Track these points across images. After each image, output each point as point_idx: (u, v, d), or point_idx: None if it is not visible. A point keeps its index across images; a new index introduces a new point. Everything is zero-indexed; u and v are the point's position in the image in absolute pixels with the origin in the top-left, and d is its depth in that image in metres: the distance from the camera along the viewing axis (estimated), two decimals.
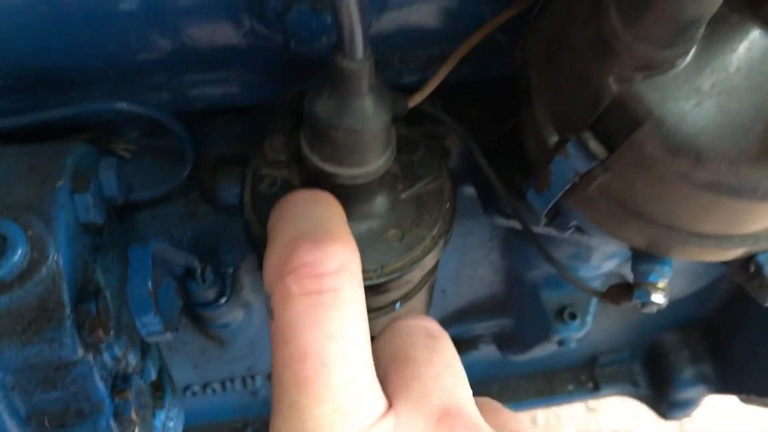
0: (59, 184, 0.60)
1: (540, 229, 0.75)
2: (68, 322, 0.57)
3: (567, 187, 0.55)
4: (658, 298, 0.60)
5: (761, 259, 0.63)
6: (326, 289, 0.42)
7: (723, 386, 1.19)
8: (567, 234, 0.73)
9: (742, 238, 0.55)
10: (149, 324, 0.55)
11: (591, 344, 1.23)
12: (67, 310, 0.56)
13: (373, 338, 0.48)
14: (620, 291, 0.64)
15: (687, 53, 0.47)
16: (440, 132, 0.77)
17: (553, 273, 0.90)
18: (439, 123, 0.75)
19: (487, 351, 1.13)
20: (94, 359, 0.61)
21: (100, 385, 0.62)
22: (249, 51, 0.67)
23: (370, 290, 0.60)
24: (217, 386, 1.10)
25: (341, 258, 0.43)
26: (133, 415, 0.64)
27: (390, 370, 0.45)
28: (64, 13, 0.59)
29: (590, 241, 0.77)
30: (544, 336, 0.94)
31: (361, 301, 0.44)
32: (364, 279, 0.59)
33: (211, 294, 0.81)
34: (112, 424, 0.64)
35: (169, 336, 0.58)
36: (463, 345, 1.10)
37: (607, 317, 1.16)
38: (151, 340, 0.57)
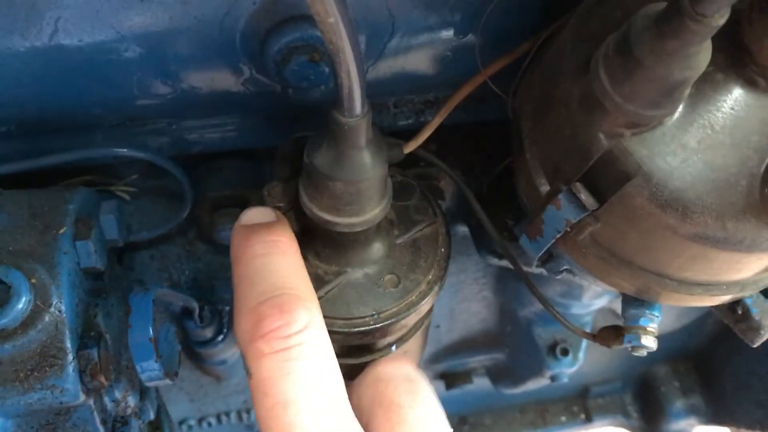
0: (62, 231, 0.61)
1: (532, 269, 0.76)
2: (70, 369, 0.57)
3: (558, 236, 0.56)
4: (648, 342, 0.62)
5: (748, 302, 0.65)
6: (294, 345, 0.47)
7: (713, 418, 1.20)
8: (559, 276, 0.74)
9: (730, 285, 0.57)
10: (150, 369, 0.56)
11: (583, 375, 1.24)
12: (70, 357, 0.57)
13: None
14: (611, 334, 0.65)
15: (674, 112, 0.49)
16: (434, 174, 0.79)
17: (546, 310, 0.92)
18: (433, 165, 0.76)
19: (481, 383, 1.14)
20: (94, 403, 0.62)
21: (101, 429, 0.63)
22: (248, 98, 0.69)
23: (367, 335, 0.61)
24: (213, 420, 1.10)
25: (304, 317, 0.48)
26: None
27: (375, 415, 0.50)
28: (67, 61, 0.61)
29: (582, 281, 0.78)
30: (536, 371, 0.95)
31: (328, 348, 0.49)
32: (362, 325, 0.61)
33: (208, 332, 0.82)
34: None
35: (168, 381, 0.58)
36: (457, 378, 1.11)
37: (599, 349, 1.17)
38: (151, 385, 0.58)
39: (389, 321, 0.60)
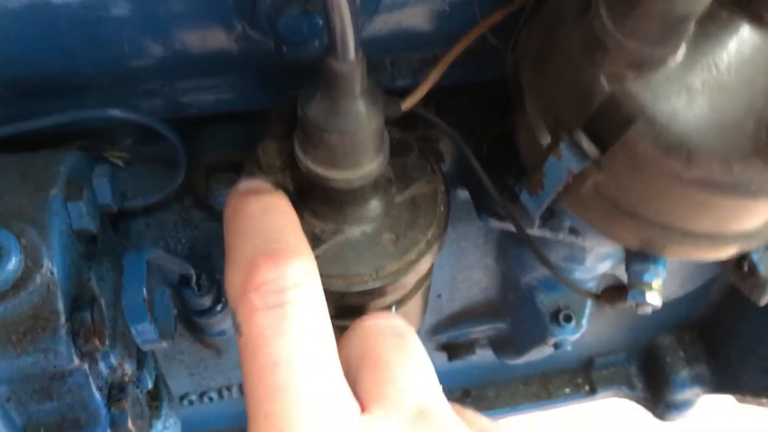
0: (52, 192, 0.59)
1: (534, 231, 0.75)
2: (63, 331, 0.56)
3: (560, 188, 0.55)
4: (653, 299, 0.60)
5: (755, 257, 0.64)
6: (288, 302, 0.44)
7: (719, 386, 1.19)
8: (561, 236, 0.73)
9: (735, 237, 0.55)
10: (145, 332, 0.55)
11: (587, 347, 1.23)
12: (62, 319, 0.56)
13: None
14: (615, 292, 0.64)
15: (678, 50, 0.47)
16: (433, 136, 0.77)
17: (548, 275, 0.90)
18: (432, 127, 0.75)
19: (484, 355, 1.13)
20: (89, 368, 0.61)
21: (97, 395, 0.62)
22: (242, 56, 0.67)
23: (366, 294, 0.60)
24: (214, 394, 1.10)
25: (300, 272, 0.45)
26: (130, 425, 0.64)
27: (362, 372, 0.47)
28: (55, 20, 0.59)
29: (584, 243, 0.77)
30: (540, 339, 0.94)
31: (323, 308, 0.46)
32: (361, 283, 0.59)
33: (206, 301, 0.81)
34: None
35: (164, 344, 0.57)
36: (459, 349, 1.10)
37: (603, 319, 1.17)
38: (146, 348, 0.57)
39: (388, 280, 0.59)
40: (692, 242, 0.56)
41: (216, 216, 0.82)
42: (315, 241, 0.59)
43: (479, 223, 0.91)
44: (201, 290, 0.78)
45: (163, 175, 0.79)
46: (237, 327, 0.46)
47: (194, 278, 0.74)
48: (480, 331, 1.08)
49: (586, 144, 0.52)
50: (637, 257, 0.61)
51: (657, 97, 0.48)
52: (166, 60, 0.66)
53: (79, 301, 0.58)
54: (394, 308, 0.65)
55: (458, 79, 0.75)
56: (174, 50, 0.65)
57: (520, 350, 1.03)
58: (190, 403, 1.09)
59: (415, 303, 0.67)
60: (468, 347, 1.09)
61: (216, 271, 0.83)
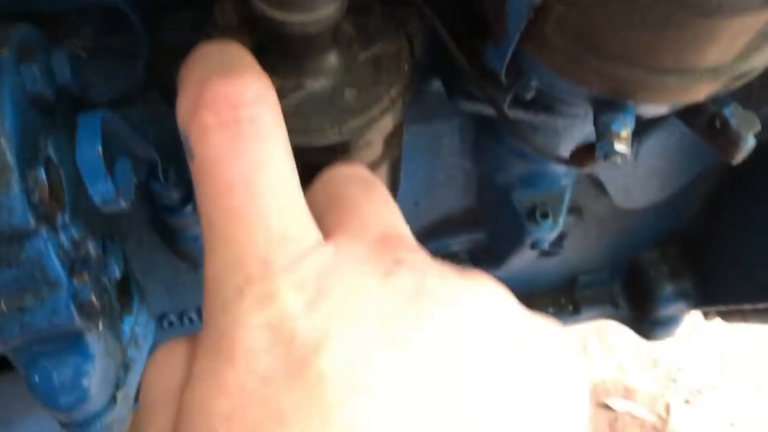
0: (3, 52, 0.58)
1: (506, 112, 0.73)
2: (16, 187, 0.55)
3: (522, 27, 0.54)
4: (621, 148, 0.59)
5: (726, 112, 0.63)
6: (245, 118, 0.40)
7: (703, 300, 1.18)
8: (532, 114, 0.72)
9: (704, 72, 0.54)
10: (102, 191, 0.53)
11: (569, 266, 1.22)
12: (15, 174, 0.55)
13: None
14: (584, 151, 0.63)
15: None
16: (402, 15, 0.76)
17: (525, 172, 0.89)
18: (400, 5, 0.73)
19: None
20: (48, 235, 0.60)
21: (57, 264, 0.61)
22: None
23: (331, 152, 0.59)
24: (194, 315, 1.08)
25: (256, 87, 0.41)
26: (93, 299, 0.63)
27: (327, 211, 0.45)
28: None
29: (557, 125, 0.76)
30: (517, 240, 0.93)
31: (283, 132, 0.43)
32: (324, 137, 0.58)
33: (175, 195, 0.80)
34: (72, 308, 0.62)
35: (123, 204, 0.56)
36: None
37: (584, 235, 1.16)
38: (106, 208, 0.56)
39: (351, 135, 0.58)
40: (660, 81, 0.54)
41: None
42: None
43: (454, 121, 0.90)
44: (168, 182, 0.76)
45: (127, 67, 0.77)
46: (188, 151, 0.42)
47: (159, 165, 0.73)
48: (459, 242, 1.07)
49: None
50: (604, 108, 0.60)
51: None
52: None
53: (33, 160, 0.57)
54: None
55: None
56: None
57: (500, 257, 1.02)
58: (170, 324, 1.08)
59: (382, 173, 0.66)
60: (448, 261, 1.08)
61: (186, 168, 0.82)
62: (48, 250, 0.60)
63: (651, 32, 0.51)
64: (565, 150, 0.82)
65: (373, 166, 0.65)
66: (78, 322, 0.63)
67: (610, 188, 0.99)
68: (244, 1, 0.59)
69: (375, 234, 0.43)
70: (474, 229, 1.04)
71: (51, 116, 0.64)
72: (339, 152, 0.59)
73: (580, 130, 0.78)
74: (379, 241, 0.42)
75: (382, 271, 0.40)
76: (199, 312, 1.10)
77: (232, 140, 0.40)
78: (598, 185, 0.99)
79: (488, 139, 0.89)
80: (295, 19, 0.54)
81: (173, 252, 0.94)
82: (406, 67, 0.62)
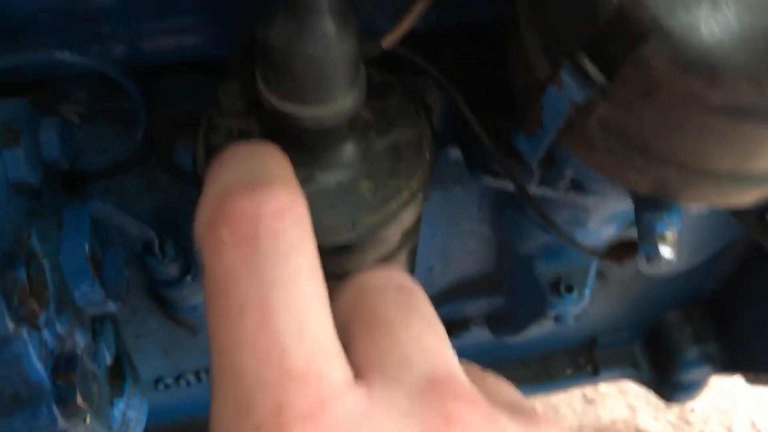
0: None
1: (532, 189, 0.68)
2: None
3: (561, 124, 0.48)
4: (667, 252, 0.53)
5: None
6: (265, 234, 0.35)
7: (729, 365, 1.12)
8: (561, 191, 0.66)
9: (764, 177, 0.48)
10: (87, 292, 0.48)
11: (589, 325, 1.16)
12: None
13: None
14: (623, 248, 0.58)
15: None
16: (421, 85, 0.70)
17: (548, 243, 0.83)
18: (418, 75, 0.68)
19: (479, 334, 1.06)
20: (29, 336, 0.54)
21: (38, 366, 0.55)
22: None
23: (344, 250, 0.53)
24: (192, 378, 1.03)
25: (283, 200, 0.36)
26: (79, 401, 0.57)
27: (356, 335, 0.37)
28: None
29: (587, 202, 0.70)
30: (539, 312, 0.87)
31: (311, 247, 0.36)
32: (335, 236, 0.52)
33: (173, 270, 0.74)
34: (55, 410, 0.57)
35: (112, 306, 0.51)
36: (453, 327, 1.03)
37: (606, 295, 1.10)
38: (91, 311, 0.50)
39: (366, 232, 0.52)
40: (713, 184, 0.49)
41: (183, 178, 0.74)
42: None
43: (473, 188, 0.84)
44: (166, 257, 0.71)
45: (123, 133, 0.71)
46: (200, 266, 0.36)
47: (156, 242, 0.67)
48: (475, 307, 1.01)
49: (591, 68, 0.45)
50: (648, 205, 0.54)
51: (674, 6, 0.41)
52: None
53: (13, 259, 0.51)
54: None
55: (448, 21, 0.68)
56: None
57: (519, 326, 0.96)
58: (166, 387, 1.02)
59: (398, 263, 0.61)
60: (462, 325, 1.02)
61: (184, 238, 0.76)
62: (28, 353, 0.54)
63: (709, 138, 0.45)
64: (595, 225, 0.77)
65: (388, 258, 0.59)
66: (62, 424, 0.58)
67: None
68: (250, 82, 0.53)
69: (419, 377, 0.35)
70: (491, 294, 0.99)
71: (36, 199, 0.58)
72: (354, 251, 0.54)
73: (613, 206, 0.73)
74: (425, 388, 0.35)
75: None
76: (197, 374, 1.04)
77: (248, 257, 0.34)
78: None
79: (509, 207, 0.83)
80: (310, 113, 0.48)
81: (170, 320, 0.89)
82: (427, 155, 0.56)
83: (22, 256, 0.51)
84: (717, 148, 0.46)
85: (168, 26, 0.64)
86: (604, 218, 0.75)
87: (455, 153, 0.78)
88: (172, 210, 0.76)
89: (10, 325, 0.51)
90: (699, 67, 0.41)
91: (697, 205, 0.53)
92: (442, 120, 0.77)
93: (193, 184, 0.74)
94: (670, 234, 0.53)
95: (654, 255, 0.53)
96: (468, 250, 0.91)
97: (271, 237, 0.35)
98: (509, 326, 0.99)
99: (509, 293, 0.97)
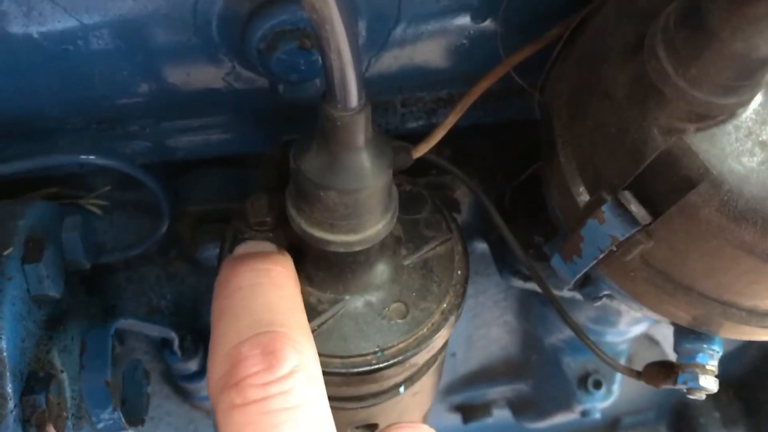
0: (7, 252, 0.51)
1: (563, 292, 0.66)
2: (11, 419, 0.48)
3: (600, 256, 0.46)
4: (708, 383, 0.51)
5: None
6: (275, 394, 0.37)
7: None
8: (595, 304, 0.64)
9: None
10: (107, 419, 0.46)
11: (613, 406, 1.12)
12: (10, 404, 0.48)
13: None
14: (660, 372, 0.55)
15: (751, 100, 0.39)
16: (448, 183, 0.69)
17: (576, 337, 0.81)
18: (447, 173, 0.67)
19: (501, 416, 1.03)
20: None
21: None
22: (232, 96, 0.59)
23: (370, 375, 0.51)
24: None
25: (292, 361, 0.38)
26: None
27: None
28: (15, 54, 0.51)
29: (619, 305, 0.68)
30: (565, 405, 0.85)
31: (321, 401, 0.39)
32: (362, 364, 0.50)
33: (192, 365, 0.72)
34: None
35: (131, 431, 0.49)
36: (475, 411, 1.00)
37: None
38: None
39: (395, 359, 0.50)
40: (759, 322, 0.47)
41: (204, 270, 0.73)
42: (310, 312, 0.50)
43: (498, 278, 0.82)
44: (185, 354, 0.69)
45: (145, 225, 0.70)
46: (215, 426, 0.38)
47: (177, 341, 0.66)
48: (498, 392, 0.99)
49: (635, 207, 0.43)
50: (689, 334, 0.52)
51: (725, 154, 0.39)
52: (146, 99, 0.58)
53: (33, 381, 0.50)
54: (402, 388, 0.56)
55: (477, 120, 0.66)
56: (154, 88, 0.57)
57: (543, 415, 0.93)
58: None
59: (427, 380, 0.59)
60: (484, 409, 1.00)
61: (204, 329, 0.75)
62: None
63: (757, 282, 0.43)
64: (625, 326, 0.75)
65: (415, 378, 0.57)
66: None
67: (665, 345, 0.90)
68: (279, 196, 0.52)
69: None
70: (516, 380, 0.96)
71: (56, 306, 0.57)
72: (381, 377, 0.52)
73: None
74: None
75: None
76: None
77: (259, 417, 0.36)
78: (652, 340, 0.91)
79: (535, 299, 0.81)
80: (340, 239, 0.47)
81: (188, 404, 0.87)
82: (459, 272, 0.54)
83: (43, 379, 0.50)
84: (765, 291, 0.44)
85: (194, 125, 0.63)
86: (635, 320, 0.73)
87: (481, 245, 0.76)
88: (192, 300, 0.75)
89: None
90: (749, 217, 0.40)
91: (738, 338, 0.50)
92: (470, 213, 0.75)
93: (213, 276, 0.73)
94: (711, 364, 0.51)
95: (695, 386, 0.51)
96: (492, 337, 0.89)
97: (282, 396, 0.36)
98: (533, 414, 0.96)
99: (534, 382, 0.94)
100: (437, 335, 0.52)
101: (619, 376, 0.82)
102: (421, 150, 0.56)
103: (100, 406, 0.47)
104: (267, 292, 0.43)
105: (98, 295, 0.70)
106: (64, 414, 0.53)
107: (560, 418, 0.91)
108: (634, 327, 0.74)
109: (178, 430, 0.95)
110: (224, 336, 0.39)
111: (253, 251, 0.49)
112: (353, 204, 0.45)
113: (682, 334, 0.53)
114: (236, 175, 0.69)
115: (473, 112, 0.65)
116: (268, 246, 0.51)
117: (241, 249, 0.50)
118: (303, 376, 0.38)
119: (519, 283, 0.68)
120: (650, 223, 0.43)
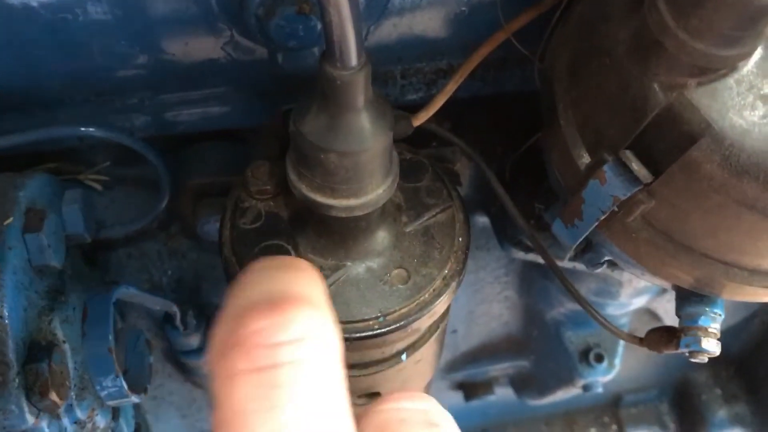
0: (7, 222, 0.51)
1: (564, 263, 0.66)
2: (14, 386, 0.48)
3: (602, 218, 0.46)
4: (710, 345, 0.51)
5: None
6: (284, 362, 0.31)
7: (760, 427, 1.09)
8: (597, 270, 0.64)
9: None
10: (110, 386, 0.46)
11: (615, 383, 1.12)
12: (13, 372, 0.48)
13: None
14: (662, 337, 0.55)
15: (753, 52, 0.39)
16: (449, 155, 0.69)
17: (578, 310, 0.81)
18: (447, 144, 0.66)
19: (503, 393, 1.03)
20: (49, 426, 0.52)
21: None
22: (231, 66, 0.59)
23: (372, 341, 0.51)
24: None
25: (306, 322, 0.31)
26: None
27: None
28: (14, 24, 0.51)
29: (621, 276, 0.68)
30: (567, 380, 0.85)
31: (337, 377, 0.32)
32: (364, 329, 0.50)
33: (194, 341, 0.72)
34: None
35: (135, 399, 0.49)
36: (476, 388, 1.00)
37: (633, 353, 1.07)
38: (113, 404, 0.48)
39: (397, 324, 0.50)
40: (761, 282, 0.47)
41: (205, 246, 0.73)
42: None
43: (499, 252, 0.82)
44: (187, 329, 0.69)
45: (145, 200, 0.70)
46: (212, 397, 0.32)
47: (179, 316, 0.66)
48: (499, 369, 0.99)
49: (637, 166, 0.43)
50: (690, 298, 0.52)
51: (726, 108, 0.39)
52: (145, 71, 0.58)
53: (35, 349, 0.50)
54: (404, 355, 0.56)
55: (477, 91, 0.66)
56: (153, 59, 0.57)
57: (544, 391, 0.93)
58: None
59: (428, 349, 0.59)
60: (486, 386, 1.00)
61: (206, 306, 0.75)
62: None
63: (760, 239, 0.43)
64: (627, 298, 0.75)
65: (417, 345, 0.57)
66: None
67: (665, 319, 0.90)
68: (279, 164, 0.52)
69: None
70: (517, 357, 0.96)
71: (58, 278, 0.57)
72: (383, 342, 0.52)
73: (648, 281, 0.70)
74: None
75: None
76: None
77: (264, 391, 0.30)
78: (653, 314, 0.91)
79: (537, 273, 0.81)
80: (340, 203, 0.46)
81: (189, 382, 0.87)
82: (461, 239, 0.54)
83: (45, 347, 0.50)
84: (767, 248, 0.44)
85: (193, 98, 0.63)
86: (636, 290, 0.73)
87: (482, 219, 0.76)
88: (193, 275, 0.75)
89: (30, 418, 0.49)
90: (752, 171, 0.39)
91: (741, 299, 0.50)
92: (470, 186, 0.75)
93: (214, 252, 0.73)
94: (714, 327, 0.51)
95: (697, 348, 0.51)
96: (493, 313, 0.89)
97: (291, 366, 0.31)
98: (534, 390, 0.97)
99: (536, 357, 0.94)
100: (439, 300, 0.52)
101: (620, 349, 0.82)
102: (421, 118, 0.56)
103: (103, 373, 0.47)
104: (290, 271, 0.36)
105: (99, 272, 0.70)
106: (67, 383, 0.53)
107: (562, 394, 0.92)
108: (635, 299, 0.74)
109: (181, 409, 0.95)
110: (233, 299, 0.34)
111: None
112: (354, 167, 0.45)
113: (684, 297, 0.53)
114: (237, 148, 0.69)
115: (473, 82, 0.65)
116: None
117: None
118: (317, 344, 0.32)
119: (520, 255, 0.68)
120: (652, 182, 0.43)
